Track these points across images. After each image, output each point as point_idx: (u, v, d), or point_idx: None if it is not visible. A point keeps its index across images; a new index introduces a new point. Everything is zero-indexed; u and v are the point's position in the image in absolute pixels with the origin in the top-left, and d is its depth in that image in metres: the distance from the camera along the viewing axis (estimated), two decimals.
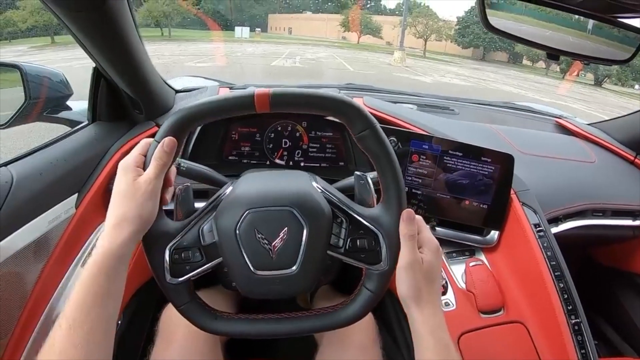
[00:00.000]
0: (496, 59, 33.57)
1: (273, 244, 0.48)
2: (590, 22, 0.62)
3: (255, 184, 0.53)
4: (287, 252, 0.48)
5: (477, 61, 31.23)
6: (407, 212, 0.49)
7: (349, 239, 0.50)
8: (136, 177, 0.46)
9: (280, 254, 0.48)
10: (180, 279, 0.49)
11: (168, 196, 0.51)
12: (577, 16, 0.60)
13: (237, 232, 0.48)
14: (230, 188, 0.53)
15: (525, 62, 32.07)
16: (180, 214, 0.53)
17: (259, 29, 34.70)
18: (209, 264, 0.49)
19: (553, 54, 0.65)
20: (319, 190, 0.52)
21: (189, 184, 0.56)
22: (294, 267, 0.48)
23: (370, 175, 0.57)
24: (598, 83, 23.28)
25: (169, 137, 0.46)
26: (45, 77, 0.89)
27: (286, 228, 0.48)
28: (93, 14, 0.59)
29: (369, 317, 0.82)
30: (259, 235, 0.48)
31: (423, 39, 30.21)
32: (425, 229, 0.52)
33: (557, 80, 22.77)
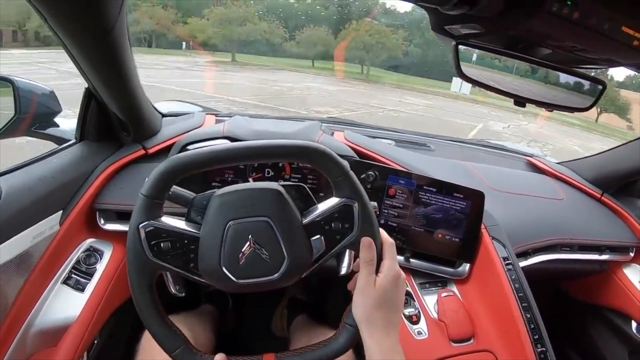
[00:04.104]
0: None
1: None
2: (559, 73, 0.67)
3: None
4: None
5: None
6: (365, 239, 0.51)
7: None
8: None
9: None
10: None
11: None
12: (532, 66, 0.65)
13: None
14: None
15: None
16: None
17: None
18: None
19: (520, 102, 0.71)
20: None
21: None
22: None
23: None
24: None
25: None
26: (36, 93, 0.89)
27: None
28: (95, 39, 0.62)
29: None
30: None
31: None
32: (390, 257, 0.53)
33: None
